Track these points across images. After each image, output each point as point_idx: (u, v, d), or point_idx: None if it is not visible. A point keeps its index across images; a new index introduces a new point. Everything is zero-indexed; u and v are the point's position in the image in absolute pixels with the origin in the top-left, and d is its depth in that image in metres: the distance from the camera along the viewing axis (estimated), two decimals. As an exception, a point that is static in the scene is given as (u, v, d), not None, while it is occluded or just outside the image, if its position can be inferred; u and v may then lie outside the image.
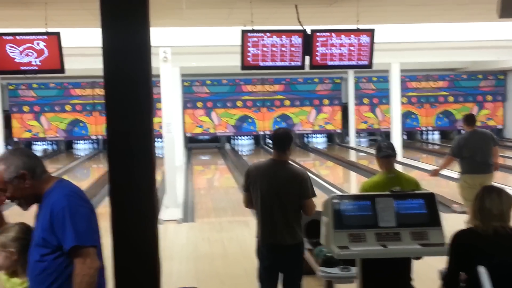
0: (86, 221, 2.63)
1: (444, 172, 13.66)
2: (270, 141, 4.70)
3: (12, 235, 2.94)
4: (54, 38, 6.61)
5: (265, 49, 6.72)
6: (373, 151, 20.06)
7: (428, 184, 11.06)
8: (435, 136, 22.46)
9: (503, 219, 3.23)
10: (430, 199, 4.07)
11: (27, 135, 20.39)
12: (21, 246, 2.93)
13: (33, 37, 6.62)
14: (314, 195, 4.41)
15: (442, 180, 12.81)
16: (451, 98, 21.68)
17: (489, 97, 21.70)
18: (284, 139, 4.42)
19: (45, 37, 6.61)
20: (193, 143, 21.17)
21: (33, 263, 2.68)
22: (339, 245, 3.80)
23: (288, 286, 4.52)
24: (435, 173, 8.65)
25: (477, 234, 3.24)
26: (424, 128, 22.00)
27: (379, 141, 4.86)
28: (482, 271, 2.85)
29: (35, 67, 6.68)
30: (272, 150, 4.62)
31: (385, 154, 4.73)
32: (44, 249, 2.64)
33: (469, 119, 7.75)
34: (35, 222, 2.76)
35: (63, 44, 6.66)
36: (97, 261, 2.62)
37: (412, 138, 22.03)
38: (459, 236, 3.31)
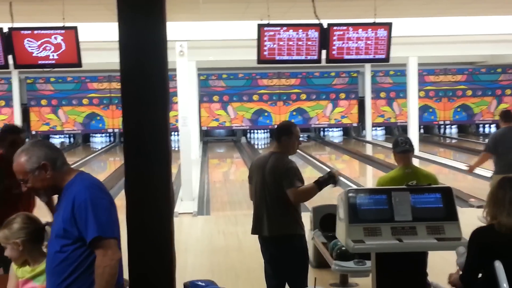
0: (107, 213, 2.67)
1: (462, 166, 13.58)
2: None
3: (15, 226, 2.99)
4: (71, 33, 6.66)
5: (281, 43, 6.70)
6: (389, 145, 19.91)
7: (445, 178, 11.00)
8: (453, 130, 22.29)
9: None
10: (447, 193, 4.04)
11: (45, 128, 20.59)
12: (26, 235, 2.97)
13: (51, 31, 6.67)
14: (292, 185, 4.27)
15: (459, 174, 12.72)
16: (469, 92, 21.48)
17: (508, 91, 21.47)
18: (280, 131, 4.45)
19: (63, 31, 6.66)
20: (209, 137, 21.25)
21: (53, 254, 2.72)
22: (354, 239, 3.79)
23: (289, 280, 4.45)
24: (470, 169, 8.11)
25: (495, 232, 3.19)
26: (441, 122, 21.83)
27: (397, 136, 4.83)
28: (498, 266, 2.83)
29: (53, 61, 6.73)
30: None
31: (403, 149, 4.70)
32: (65, 240, 2.68)
33: (506, 115, 7.36)
34: (55, 214, 2.80)
35: (80, 39, 6.70)
36: (118, 252, 2.66)
37: (430, 132, 21.88)
38: (478, 233, 3.27)
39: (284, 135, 4.41)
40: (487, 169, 12.87)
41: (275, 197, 4.32)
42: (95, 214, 2.62)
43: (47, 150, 2.74)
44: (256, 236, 4.58)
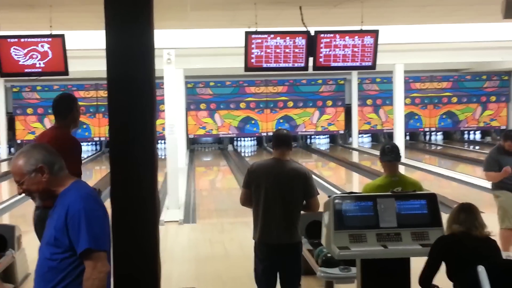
0: (101, 225, 2.66)
1: (447, 172, 13.69)
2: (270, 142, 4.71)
3: None
4: (58, 41, 6.65)
5: (268, 50, 6.74)
6: (376, 152, 20.00)
7: (430, 185, 11.07)
8: (438, 137, 22.45)
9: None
10: (431, 199, 4.10)
11: (30, 137, 20.44)
12: None
13: (38, 39, 6.65)
14: (317, 193, 4.44)
15: (444, 180, 12.83)
16: (454, 99, 21.66)
17: (493, 98, 21.67)
18: (287, 138, 4.51)
19: (50, 39, 6.65)
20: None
21: (42, 260, 2.72)
22: (339, 246, 3.82)
23: (286, 286, 4.49)
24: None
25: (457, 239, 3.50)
26: (427, 129, 21.98)
27: (384, 144, 4.85)
28: (481, 271, 2.88)
29: (39, 70, 6.72)
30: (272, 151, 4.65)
31: (389, 158, 4.72)
32: (55, 248, 2.67)
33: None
34: (48, 221, 2.79)
35: (67, 47, 6.69)
36: (107, 265, 2.65)
37: (415, 139, 22.02)
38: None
39: (291, 143, 4.54)
40: (471, 176, 12.99)
41: (296, 204, 4.35)
42: (88, 226, 2.62)
43: (46, 153, 2.74)
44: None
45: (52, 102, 4.79)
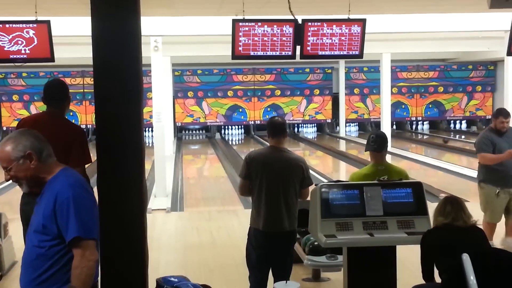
0: (89, 213, 2.66)
1: (433, 162, 13.78)
2: (261, 130, 4.73)
3: None
4: (44, 27, 6.57)
5: (256, 38, 6.71)
6: (362, 141, 20.06)
7: (416, 174, 11.14)
8: (425, 126, 22.57)
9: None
10: (417, 188, 4.12)
11: (16, 124, 20.29)
12: None
13: (23, 25, 6.57)
14: (312, 182, 4.54)
15: (430, 169, 12.92)
16: (441, 89, 21.76)
17: (479, 88, 21.80)
18: (283, 127, 4.56)
19: (35, 25, 6.57)
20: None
21: (30, 248, 2.71)
22: (326, 234, 3.84)
23: (280, 273, 4.51)
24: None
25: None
26: (413, 118, 22.09)
27: (370, 133, 4.86)
28: (466, 259, 2.91)
29: (25, 56, 6.65)
30: (261, 139, 4.67)
31: (371, 148, 4.73)
32: (43, 236, 2.66)
33: None
34: (35, 208, 2.78)
35: (53, 33, 6.63)
36: (96, 253, 2.65)
37: (402, 128, 22.13)
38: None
39: (286, 131, 4.60)
40: (457, 165, 13.09)
41: (294, 192, 4.42)
42: (77, 214, 2.61)
43: (34, 140, 2.73)
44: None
45: (45, 87, 4.62)
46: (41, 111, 4.80)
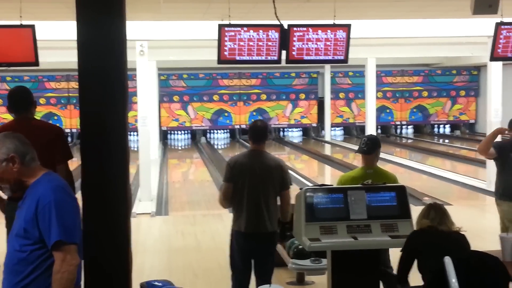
0: (72, 217, 2.65)
1: (417, 166, 13.89)
2: (247, 134, 4.83)
3: None
4: (28, 31, 6.55)
5: (241, 43, 6.74)
6: (348, 145, 20.15)
7: (401, 177, 11.17)
8: (409, 131, 22.72)
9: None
10: (400, 191, 4.17)
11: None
12: None
13: (8, 29, 6.54)
14: (291, 184, 4.63)
15: (414, 173, 13.02)
16: (425, 93, 21.93)
17: (463, 92, 22.00)
18: (264, 131, 4.63)
19: (20, 29, 6.54)
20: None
21: (12, 252, 2.69)
22: (310, 237, 3.87)
23: (261, 274, 4.59)
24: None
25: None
26: (398, 123, 22.23)
27: (362, 136, 4.85)
28: (448, 261, 2.94)
29: (9, 60, 6.61)
30: (246, 143, 4.72)
31: (360, 150, 4.74)
32: (25, 240, 2.65)
33: None
34: (17, 212, 2.77)
35: (37, 37, 6.60)
36: (77, 258, 2.64)
37: (386, 132, 22.26)
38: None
39: (267, 135, 4.68)
40: (441, 169, 13.20)
41: (272, 193, 4.50)
42: (59, 218, 2.60)
43: (18, 143, 2.72)
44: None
45: (10, 96, 4.51)
46: (10, 120, 4.75)
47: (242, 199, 4.47)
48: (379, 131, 21.29)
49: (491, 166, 10.39)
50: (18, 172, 2.69)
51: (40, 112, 20.24)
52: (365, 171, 4.68)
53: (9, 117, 19.19)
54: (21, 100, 4.43)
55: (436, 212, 3.78)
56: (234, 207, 4.57)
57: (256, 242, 4.49)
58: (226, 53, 6.73)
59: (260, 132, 4.60)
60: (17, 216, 2.76)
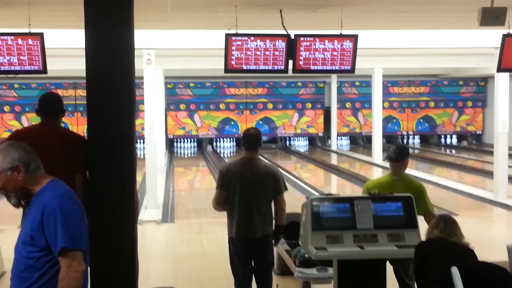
0: (77, 225, 2.66)
1: (424, 176, 13.85)
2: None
3: None
4: (37, 39, 6.60)
5: (248, 52, 6.77)
6: (354, 154, 20.06)
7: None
8: (416, 141, 22.67)
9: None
10: (407, 202, 4.15)
11: (7, 135, 20.18)
12: None
13: (16, 37, 6.59)
14: (286, 189, 4.72)
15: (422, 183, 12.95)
16: (432, 104, 21.89)
17: (469, 103, 21.95)
18: (257, 139, 4.71)
19: (28, 37, 6.59)
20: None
21: (19, 259, 2.71)
22: (316, 246, 3.86)
23: (260, 276, 4.74)
24: None
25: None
26: (405, 133, 22.19)
27: (393, 144, 5.04)
28: (455, 272, 2.93)
29: (18, 68, 6.66)
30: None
31: (388, 157, 4.91)
32: (32, 247, 2.67)
33: None
34: (23, 220, 2.78)
35: (46, 45, 6.65)
36: (83, 264, 2.65)
37: (393, 142, 22.20)
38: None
39: (261, 142, 4.75)
40: (447, 179, 13.15)
41: (265, 199, 4.59)
42: (65, 225, 2.62)
43: (23, 152, 2.74)
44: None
45: (41, 101, 4.52)
46: (35, 123, 4.74)
47: (234, 207, 4.60)
48: (385, 141, 21.27)
49: (498, 177, 10.39)
50: (23, 180, 2.71)
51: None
52: (392, 178, 4.83)
53: (16, 124, 19.12)
54: (53, 107, 4.40)
55: (446, 224, 3.77)
56: (227, 213, 4.70)
57: (250, 247, 4.63)
58: (233, 62, 6.76)
59: (253, 139, 4.69)
60: (23, 224, 2.78)
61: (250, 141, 4.66)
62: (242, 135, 4.78)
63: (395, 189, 4.56)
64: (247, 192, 4.54)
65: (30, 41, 6.60)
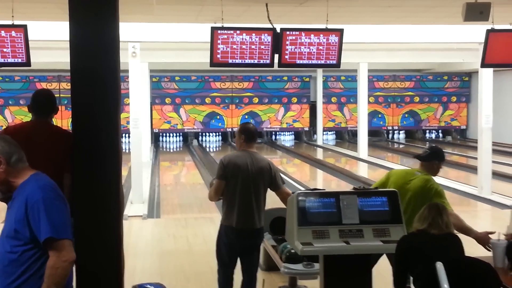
0: (61, 214, 2.65)
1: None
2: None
3: None
4: (20, 31, 6.52)
5: (234, 46, 6.73)
6: (339, 149, 20.12)
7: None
8: (401, 136, 22.78)
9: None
10: (392, 196, 4.17)
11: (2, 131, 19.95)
12: None
13: (-1, 29, 6.51)
14: (283, 182, 4.85)
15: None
16: (416, 99, 22.01)
17: (454, 98, 22.10)
18: (256, 133, 4.90)
19: (11, 29, 6.51)
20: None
21: (3, 254, 2.69)
22: (302, 242, 3.86)
23: (249, 267, 4.82)
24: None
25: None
26: (390, 128, 22.29)
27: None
28: (440, 267, 2.94)
29: (1, 60, 6.57)
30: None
31: (417, 155, 4.99)
32: (16, 241, 2.65)
33: None
34: (7, 213, 2.76)
35: (29, 37, 6.56)
36: (73, 253, 2.64)
37: (378, 137, 22.30)
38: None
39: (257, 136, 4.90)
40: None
41: (263, 191, 4.72)
42: (48, 215, 2.60)
43: (4, 144, 2.72)
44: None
45: (35, 97, 4.42)
46: (27, 121, 4.65)
47: (234, 197, 4.66)
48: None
49: (482, 172, 10.48)
50: (4, 172, 2.68)
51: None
52: (414, 171, 4.89)
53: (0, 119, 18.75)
54: (46, 104, 4.31)
55: (430, 211, 3.73)
56: (225, 203, 4.73)
57: (246, 237, 4.69)
58: (218, 56, 6.72)
59: (254, 133, 4.85)
60: (7, 218, 2.75)
61: (251, 135, 4.81)
62: (239, 128, 4.89)
63: (409, 183, 4.65)
64: (248, 184, 4.64)
65: (13, 33, 6.51)
